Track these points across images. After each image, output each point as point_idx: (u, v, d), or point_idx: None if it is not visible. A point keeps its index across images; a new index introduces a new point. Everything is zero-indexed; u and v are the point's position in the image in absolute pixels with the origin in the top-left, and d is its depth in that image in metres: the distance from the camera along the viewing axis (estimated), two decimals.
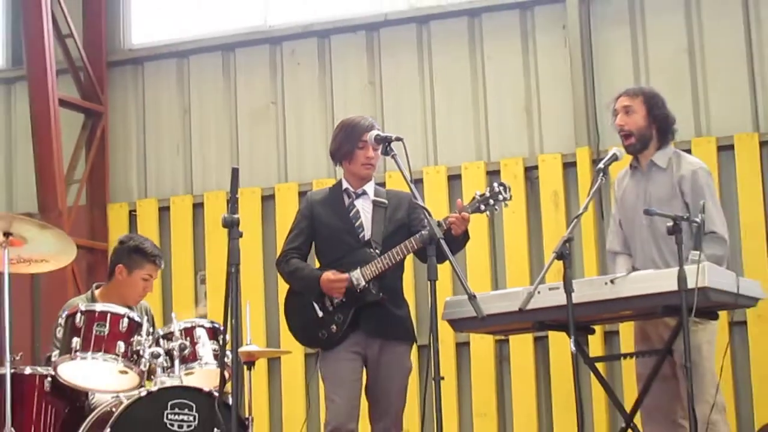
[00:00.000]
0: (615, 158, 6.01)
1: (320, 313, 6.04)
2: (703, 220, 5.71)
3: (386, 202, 6.19)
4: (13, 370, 6.00)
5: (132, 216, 10.33)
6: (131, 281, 6.69)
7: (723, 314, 6.16)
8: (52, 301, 8.94)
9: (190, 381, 6.14)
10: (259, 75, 10.18)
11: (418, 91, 9.69)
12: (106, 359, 6.03)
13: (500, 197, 5.93)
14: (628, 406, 6.20)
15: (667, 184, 6.12)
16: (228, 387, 5.45)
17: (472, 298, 5.25)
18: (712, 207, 6.01)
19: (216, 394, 5.67)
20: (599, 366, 6.30)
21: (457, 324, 6.21)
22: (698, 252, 5.62)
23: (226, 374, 5.51)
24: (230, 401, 5.23)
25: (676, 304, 5.52)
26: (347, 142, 6.12)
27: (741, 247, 8.44)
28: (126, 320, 6.11)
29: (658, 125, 6.22)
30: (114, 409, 5.89)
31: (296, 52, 10.10)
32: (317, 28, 10.03)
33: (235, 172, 5.15)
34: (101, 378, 6.14)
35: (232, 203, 5.14)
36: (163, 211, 10.21)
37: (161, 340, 6.21)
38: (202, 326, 6.34)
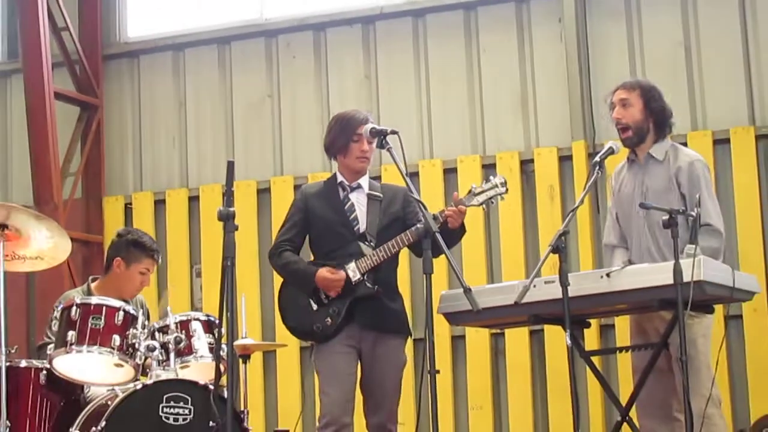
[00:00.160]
0: (611, 152, 6.01)
1: (315, 306, 6.03)
2: (698, 214, 5.71)
3: (381, 195, 6.18)
4: (8, 363, 5.98)
5: (127, 209, 10.34)
6: (129, 275, 6.69)
7: (718, 308, 6.16)
8: (48, 294, 8.94)
9: (185, 374, 6.14)
10: (254, 68, 10.18)
11: (413, 84, 9.69)
12: (101, 352, 6.02)
13: (497, 190, 5.92)
14: (623, 400, 6.20)
15: (664, 177, 6.11)
16: (223, 380, 5.45)
17: (467, 291, 5.25)
18: (708, 199, 6.00)
19: (211, 387, 5.67)
20: (595, 359, 6.29)
21: (452, 317, 6.20)
22: (694, 246, 5.61)
23: (222, 367, 5.51)
24: (225, 394, 5.22)
25: (672, 298, 5.52)
26: (342, 135, 6.11)
27: (737, 241, 8.45)
28: (121, 313, 6.10)
29: (655, 118, 6.20)
30: (109, 403, 5.89)
31: (292, 45, 10.10)
32: (313, 21, 10.03)
33: (230, 166, 5.14)
34: (97, 371, 6.14)
35: (228, 196, 5.12)
36: (159, 204, 10.22)
37: (157, 333, 6.21)
38: (198, 319, 6.34)
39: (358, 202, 6.16)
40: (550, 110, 9.28)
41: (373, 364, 6.02)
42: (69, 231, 6.86)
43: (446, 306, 6.14)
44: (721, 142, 8.73)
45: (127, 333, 6.09)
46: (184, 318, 6.31)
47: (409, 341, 6.29)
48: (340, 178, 6.21)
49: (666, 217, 5.60)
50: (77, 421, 5.95)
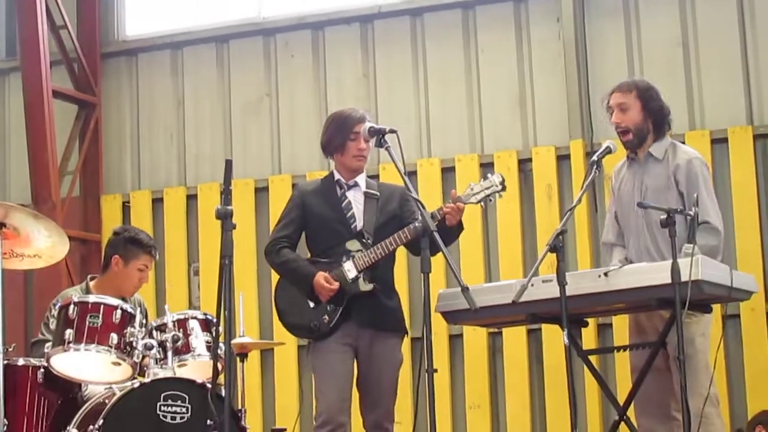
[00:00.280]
0: (609, 151, 6.01)
1: (311, 304, 6.03)
2: (696, 213, 5.71)
3: (378, 193, 6.18)
4: (5, 362, 5.98)
5: (125, 207, 10.34)
6: (127, 272, 6.69)
7: (716, 307, 6.15)
8: (46, 292, 8.94)
9: (183, 372, 6.13)
10: (253, 67, 10.18)
11: (411, 83, 9.69)
12: (99, 351, 6.02)
13: (495, 188, 5.92)
14: (621, 399, 6.20)
15: (663, 175, 6.11)
16: (221, 379, 5.45)
17: (465, 290, 5.25)
18: (706, 197, 6.00)
19: (209, 385, 5.66)
20: (592, 359, 6.30)
21: (450, 316, 6.20)
22: (692, 245, 5.61)
23: (219, 366, 5.51)
24: (223, 393, 5.23)
25: (670, 297, 5.52)
26: (339, 134, 6.11)
27: (735, 241, 8.45)
28: (119, 312, 6.09)
29: (654, 118, 6.19)
30: (107, 401, 5.88)
31: (290, 44, 10.10)
32: (311, 20, 10.02)
33: (228, 164, 5.14)
34: (94, 369, 6.13)
35: (226, 195, 5.12)
36: (157, 202, 10.21)
37: (154, 332, 6.20)
38: (195, 318, 6.34)
39: (355, 200, 6.15)
40: (548, 109, 9.28)
41: (370, 362, 6.02)
42: (67, 229, 6.86)
43: (444, 305, 6.14)
44: (719, 142, 8.73)
45: (125, 331, 6.08)
46: (182, 316, 6.31)
47: (407, 340, 6.29)
48: (337, 176, 6.20)
49: (664, 216, 5.60)
50: (75, 420, 5.94)
